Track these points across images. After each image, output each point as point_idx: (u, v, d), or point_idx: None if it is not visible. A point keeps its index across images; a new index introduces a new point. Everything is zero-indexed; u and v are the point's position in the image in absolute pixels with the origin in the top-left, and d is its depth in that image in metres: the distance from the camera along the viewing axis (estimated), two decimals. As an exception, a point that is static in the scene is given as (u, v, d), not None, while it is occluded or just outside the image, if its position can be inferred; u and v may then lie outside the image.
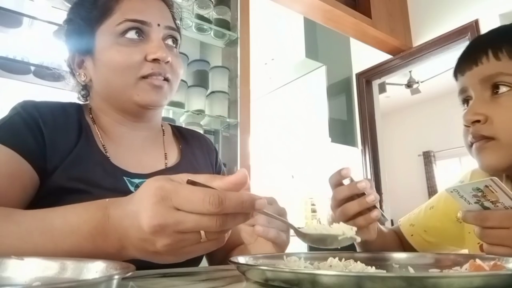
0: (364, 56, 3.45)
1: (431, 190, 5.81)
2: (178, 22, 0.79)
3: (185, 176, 0.40)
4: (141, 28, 0.69)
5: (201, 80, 1.85)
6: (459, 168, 5.74)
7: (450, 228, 0.84)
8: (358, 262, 0.50)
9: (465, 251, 0.86)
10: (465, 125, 0.72)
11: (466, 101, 0.75)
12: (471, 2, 2.68)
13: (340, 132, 3.59)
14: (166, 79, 0.70)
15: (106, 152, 0.70)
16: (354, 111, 3.56)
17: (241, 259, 0.48)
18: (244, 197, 0.38)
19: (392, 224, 2.22)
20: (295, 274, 0.36)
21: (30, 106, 0.66)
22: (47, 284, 0.27)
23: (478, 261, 0.46)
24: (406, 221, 0.92)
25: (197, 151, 0.85)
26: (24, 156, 0.60)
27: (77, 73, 0.74)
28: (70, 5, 0.78)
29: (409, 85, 4.94)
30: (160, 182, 0.38)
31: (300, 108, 3.81)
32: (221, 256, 0.77)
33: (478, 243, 0.72)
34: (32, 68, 1.42)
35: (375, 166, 3.30)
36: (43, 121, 0.64)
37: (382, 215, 0.65)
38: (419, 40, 2.99)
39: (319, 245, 0.53)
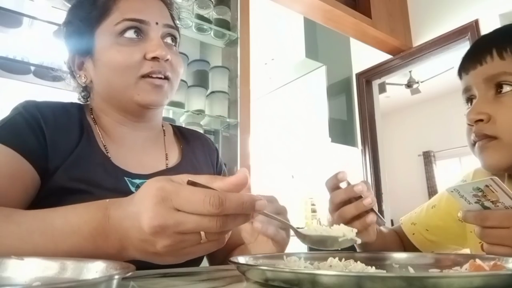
0: (364, 56, 3.45)
1: (431, 190, 5.81)
2: (177, 21, 0.79)
3: (185, 177, 0.40)
4: (139, 27, 0.69)
5: (201, 80, 1.85)
6: (459, 168, 5.74)
7: (452, 227, 0.84)
8: (358, 262, 0.50)
9: (466, 250, 0.86)
10: (468, 124, 0.72)
11: (470, 100, 0.75)
12: (471, 2, 2.68)
13: (340, 132, 3.59)
14: (166, 77, 0.70)
15: (107, 152, 0.70)
16: (354, 111, 3.56)
17: (241, 259, 0.48)
18: (244, 198, 0.38)
19: (392, 224, 2.23)
20: (295, 274, 0.36)
21: (32, 106, 0.66)
22: (47, 284, 0.27)
23: (478, 261, 0.46)
24: (407, 220, 0.92)
25: (198, 151, 0.85)
26: (26, 156, 0.60)
27: (78, 75, 0.74)
28: (70, 5, 0.78)
29: (409, 85, 4.94)
30: (160, 183, 0.38)
31: (300, 108, 3.81)
32: (221, 256, 0.77)
33: (480, 243, 0.72)
34: (32, 68, 1.42)
35: (375, 166, 3.29)
36: (45, 121, 0.64)
37: (380, 217, 0.65)
38: (419, 40, 2.99)
39: (319, 246, 0.53)
